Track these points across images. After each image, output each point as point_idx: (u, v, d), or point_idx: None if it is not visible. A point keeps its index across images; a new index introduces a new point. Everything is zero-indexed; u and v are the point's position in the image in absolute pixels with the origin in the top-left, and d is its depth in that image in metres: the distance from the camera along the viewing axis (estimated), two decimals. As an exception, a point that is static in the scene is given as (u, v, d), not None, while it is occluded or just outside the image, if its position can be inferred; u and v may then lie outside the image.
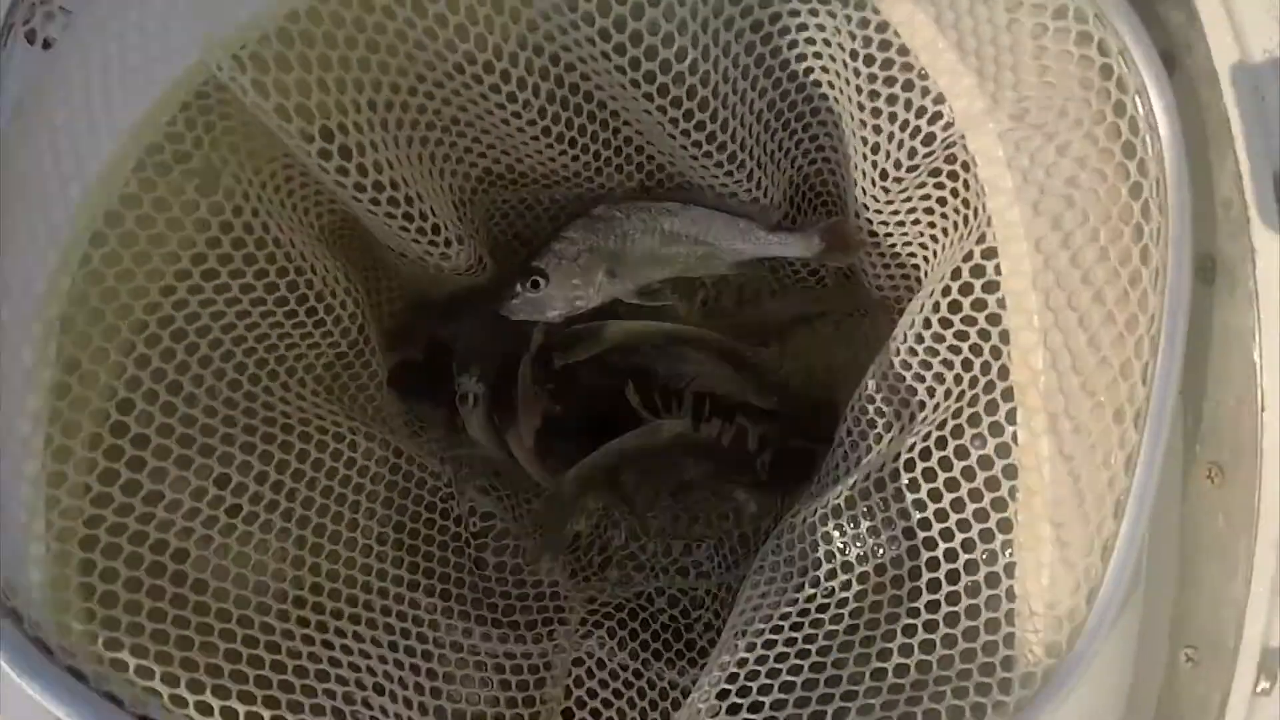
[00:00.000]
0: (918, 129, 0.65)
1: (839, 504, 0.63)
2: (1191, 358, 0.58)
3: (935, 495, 0.57)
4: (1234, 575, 0.60)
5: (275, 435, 0.67)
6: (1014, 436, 0.54)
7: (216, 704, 0.56)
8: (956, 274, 0.59)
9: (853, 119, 0.69)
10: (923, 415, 0.62)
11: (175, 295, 0.62)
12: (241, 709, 0.56)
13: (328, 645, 0.64)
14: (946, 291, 0.60)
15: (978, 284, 0.58)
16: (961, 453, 0.57)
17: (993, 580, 0.56)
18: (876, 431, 0.66)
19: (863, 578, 0.60)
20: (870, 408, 0.67)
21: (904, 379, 0.64)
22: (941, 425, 0.59)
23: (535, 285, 0.80)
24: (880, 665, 0.55)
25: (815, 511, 0.64)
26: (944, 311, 0.60)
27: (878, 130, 0.67)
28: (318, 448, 0.70)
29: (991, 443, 0.55)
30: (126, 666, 0.55)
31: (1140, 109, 0.56)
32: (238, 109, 0.61)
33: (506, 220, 0.87)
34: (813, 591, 0.61)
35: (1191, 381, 0.60)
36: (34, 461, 0.55)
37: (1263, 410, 0.58)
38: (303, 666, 0.61)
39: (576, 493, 0.85)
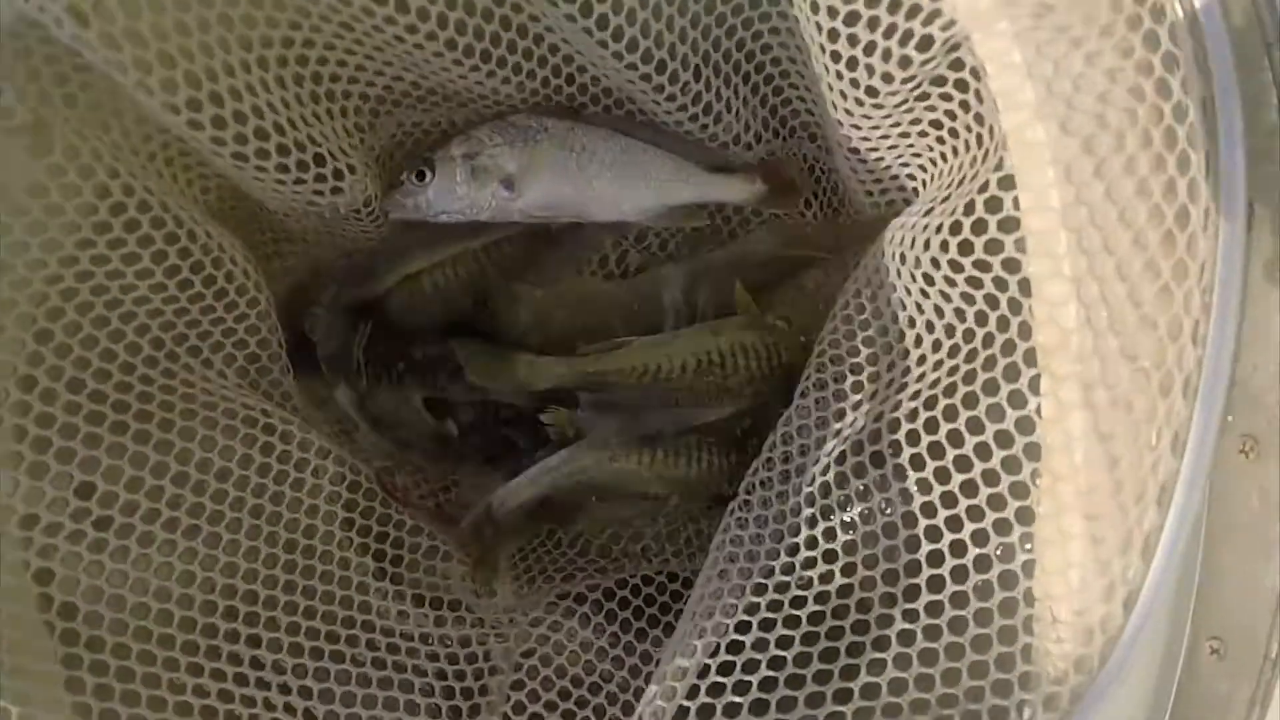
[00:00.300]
0: (910, 32, 0.53)
1: (821, 480, 0.53)
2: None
3: (942, 476, 0.48)
4: (1268, 559, 0.51)
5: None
6: (1038, 410, 0.45)
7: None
8: (970, 208, 0.48)
9: (823, 28, 0.57)
10: (919, 372, 0.51)
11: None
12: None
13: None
14: (956, 229, 0.49)
15: (992, 220, 0.47)
16: (974, 426, 0.47)
17: (1008, 580, 0.46)
18: (859, 387, 0.55)
19: (847, 569, 0.50)
20: (850, 357, 0.56)
21: (897, 322, 0.53)
22: (950, 391, 0.49)
23: (420, 176, 0.69)
24: (872, 680, 0.46)
25: (786, 485, 0.54)
26: (953, 253, 0.49)
27: (863, 35, 0.55)
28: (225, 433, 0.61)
29: (1011, 416, 0.45)
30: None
31: (1182, 12, 0.46)
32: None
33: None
34: (784, 580, 0.51)
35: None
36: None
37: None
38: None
39: (500, 532, 0.73)
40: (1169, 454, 0.43)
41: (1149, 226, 0.44)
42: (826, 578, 0.51)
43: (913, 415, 0.50)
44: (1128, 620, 0.44)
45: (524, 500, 0.72)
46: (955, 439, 0.47)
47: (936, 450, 0.48)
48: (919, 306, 0.51)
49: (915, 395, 0.50)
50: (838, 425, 0.57)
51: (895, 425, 0.51)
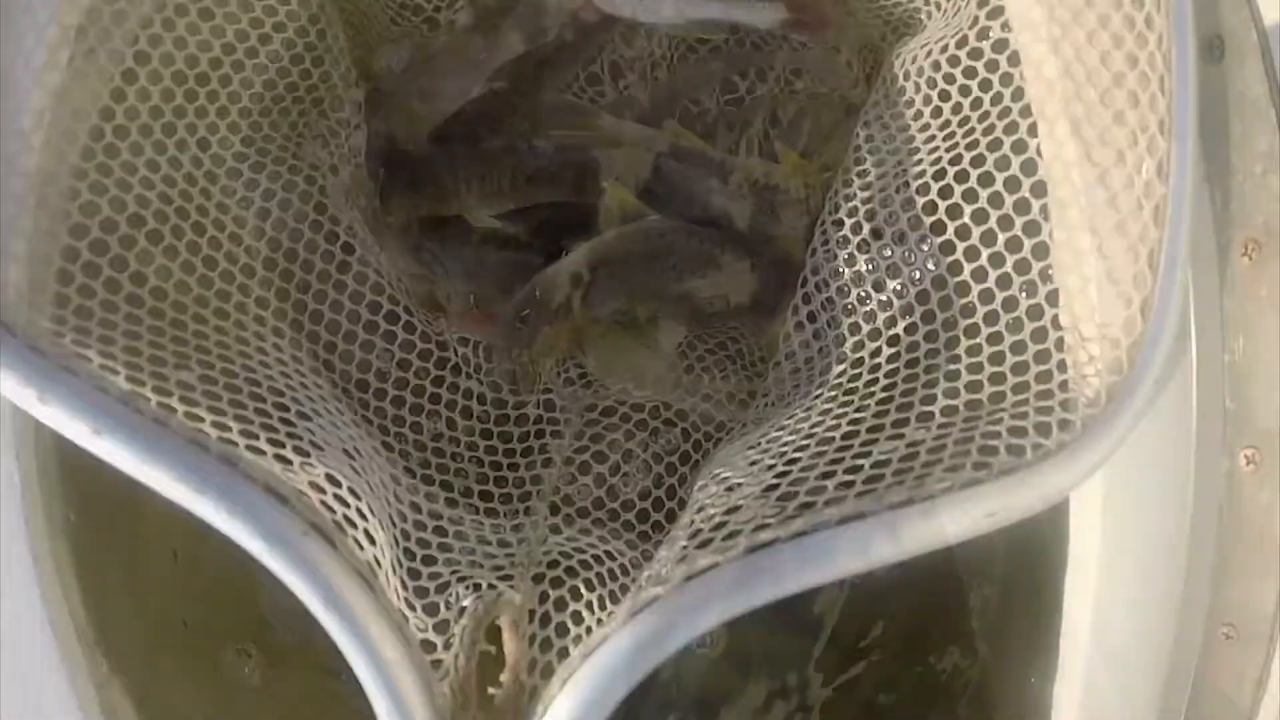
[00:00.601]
0: None
1: (854, 270, 0.59)
2: (1211, 133, 0.57)
3: (963, 233, 0.54)
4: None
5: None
6: (1038, 150, 0.52)
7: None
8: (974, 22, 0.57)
9: None
10: (930, 149, 0.58)
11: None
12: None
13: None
14: (962, 42, 0.58)
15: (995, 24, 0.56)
16: (985, 179, 0.53)
17: (1035, 313, 0.52)
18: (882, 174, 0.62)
19: (893, 340, 0.56)
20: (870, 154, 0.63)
21: (908, 128, 0.61)
22: (956, 160, 0.56)
23: None
24: (925, 409, 0.51)
25: (830, 270, 0.60)
26: (954, 52, 0.58)
27: None
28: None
29: (1015, 161, 0.52)
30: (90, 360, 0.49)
31: None
32: None
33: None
34: (843, 369, 0.56)
35: (1216, 157, 0.59)
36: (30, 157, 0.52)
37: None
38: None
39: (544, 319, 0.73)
40: (1157, 179, 0.50)
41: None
42: (876, 354, 0.56)
43: (925, 189, 0.57)
44: (1146, 325, 0.49)
45: (569, 280, 0.74)
46: (970, 196, 0.54)
47: (954, 211, 0.55)
48: (927, 106, 0.59)
49: (922, 174, 0.57)
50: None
51: (910, 203, 0.57)
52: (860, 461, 0.49)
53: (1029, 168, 0.52)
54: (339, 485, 0.49)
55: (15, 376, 0.46)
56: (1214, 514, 0.64)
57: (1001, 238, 0.53)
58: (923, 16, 0.70)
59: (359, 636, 0.45)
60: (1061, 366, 0.50)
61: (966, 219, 0.54)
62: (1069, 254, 0.51)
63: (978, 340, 0.52)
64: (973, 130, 0.55)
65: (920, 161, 0.58)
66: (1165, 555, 0.64)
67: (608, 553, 0.61)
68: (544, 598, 0.57)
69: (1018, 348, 0.51)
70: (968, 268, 0.54)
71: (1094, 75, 0.51)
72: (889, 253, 0.58)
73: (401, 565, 0.52)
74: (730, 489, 0.54)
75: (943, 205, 0.55)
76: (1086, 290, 0.50)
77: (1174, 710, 0.64)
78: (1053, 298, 0.51)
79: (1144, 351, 0.50)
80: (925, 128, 0.59)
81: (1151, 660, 0.64)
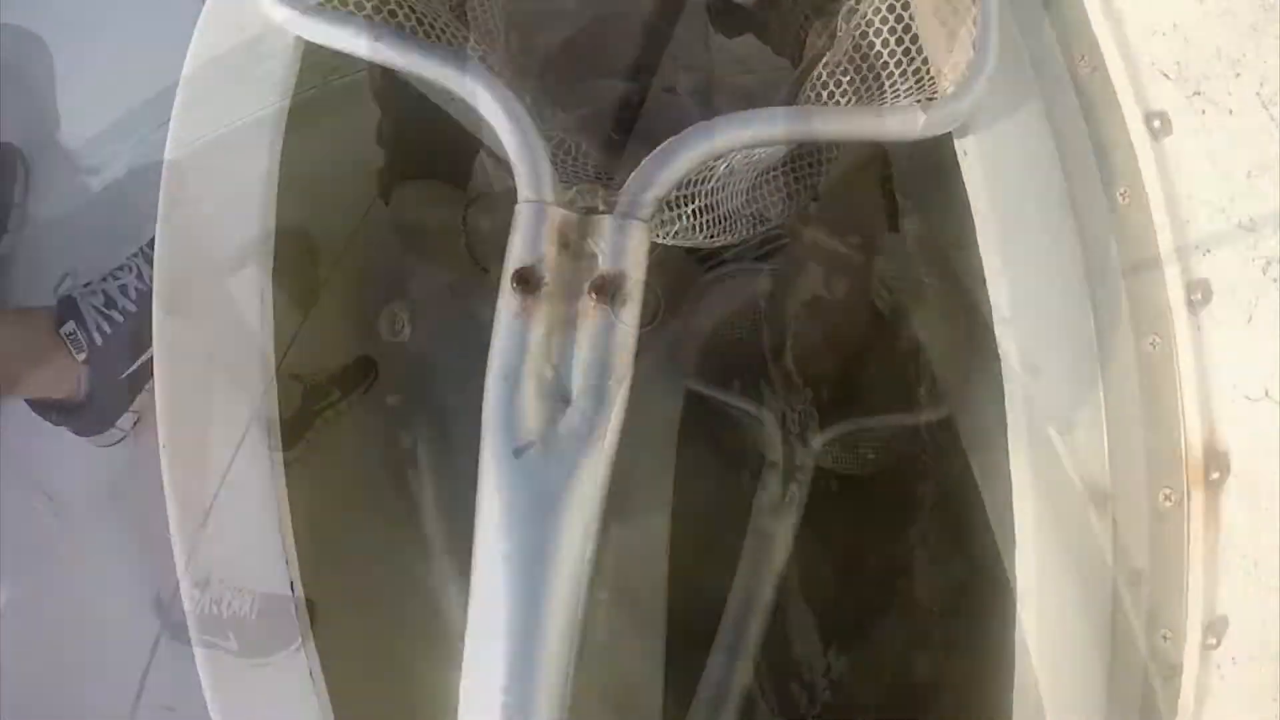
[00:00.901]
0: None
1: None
2: None
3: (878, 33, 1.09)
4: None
5: None
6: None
7: None
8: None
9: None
10: None
11: None
12: None
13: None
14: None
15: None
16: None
17: (918, 60, 1.07)
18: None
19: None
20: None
21: None
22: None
23: None
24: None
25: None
26: None
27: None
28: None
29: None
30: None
31: None
32: None
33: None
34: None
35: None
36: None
37: None
38: None
39: None
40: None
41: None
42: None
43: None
44: (975, 54, 1.05)
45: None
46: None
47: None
48: None
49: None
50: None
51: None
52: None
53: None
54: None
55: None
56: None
57: (897, 29, 1.08)
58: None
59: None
60: (931, 84, 1.05)
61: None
62: (926, 28, 1.06)
63: (891, 75, 1.08)
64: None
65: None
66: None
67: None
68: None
69: (911, 73, 1.07)
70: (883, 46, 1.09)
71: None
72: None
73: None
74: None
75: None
76: (939, 44, 1.06)
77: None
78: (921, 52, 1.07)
79: (975, 69, 1.05)
80: None
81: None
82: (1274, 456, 0.84)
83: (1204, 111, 0.93)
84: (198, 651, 1.11)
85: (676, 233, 1.12)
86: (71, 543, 1.74)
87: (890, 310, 1.41)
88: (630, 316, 0.86)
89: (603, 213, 0.87)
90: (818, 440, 1.33)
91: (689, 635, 1.37)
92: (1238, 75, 0.92)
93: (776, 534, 1.32)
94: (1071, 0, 1.08)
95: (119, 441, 1.75)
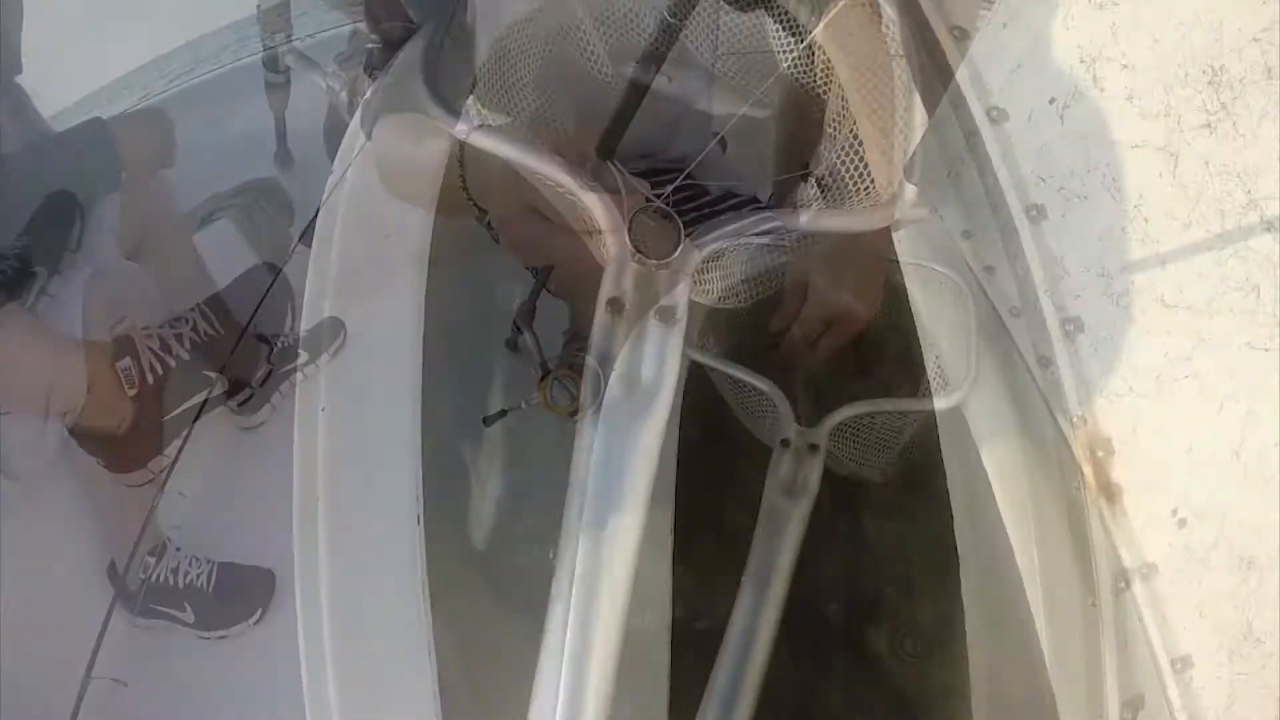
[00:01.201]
0: None
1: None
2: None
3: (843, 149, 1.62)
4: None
5: None
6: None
7: None
8: None
9: None
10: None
11: None
12: None
13: None
14: None
15: None
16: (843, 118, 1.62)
17: (862, 173, 1.59)
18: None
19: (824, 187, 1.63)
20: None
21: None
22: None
23: None
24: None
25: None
26: None
27: None
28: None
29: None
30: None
31: None
32: None
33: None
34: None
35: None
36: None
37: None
38: None
39: None
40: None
41: None
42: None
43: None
44: (902, 178, 1.57)
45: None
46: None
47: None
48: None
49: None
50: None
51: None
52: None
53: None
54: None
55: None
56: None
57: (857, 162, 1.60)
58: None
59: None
60: (871, 190, 1.57)
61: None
62: (872, 151, 1.58)
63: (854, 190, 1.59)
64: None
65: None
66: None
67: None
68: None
69: (860, 178, 1.58)
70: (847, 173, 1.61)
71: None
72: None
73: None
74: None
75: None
76: (879, 164, 1.58)
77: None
78: (868, 167, 1.58)
79: (903, 183, 1.56)
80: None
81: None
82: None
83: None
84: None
85: (705, 290, 1.63)
86: (20, 512, 1.70)
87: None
88: (678, 332, 1.36)
89: (661, 268, 1.39)
90: (832, 419, 1.41)
91: (698, 634, 1.44)
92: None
93: (791, 514, 1.33)
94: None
95: (147, 484, 1.75)
